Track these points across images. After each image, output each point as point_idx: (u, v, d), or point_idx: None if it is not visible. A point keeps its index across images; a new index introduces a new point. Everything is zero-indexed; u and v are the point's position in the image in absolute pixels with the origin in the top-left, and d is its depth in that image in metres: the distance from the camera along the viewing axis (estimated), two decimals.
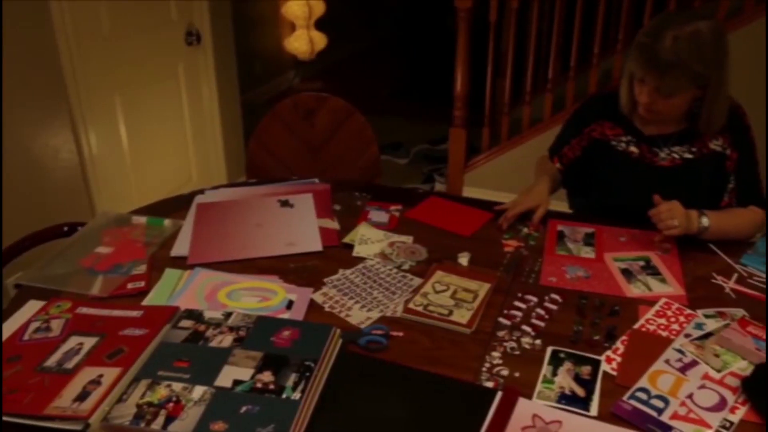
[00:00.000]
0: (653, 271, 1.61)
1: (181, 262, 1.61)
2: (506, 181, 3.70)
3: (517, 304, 1.47)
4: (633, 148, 1.84)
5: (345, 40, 6.26)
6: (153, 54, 3.13)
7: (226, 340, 1.26)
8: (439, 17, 4.96)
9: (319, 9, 5.49)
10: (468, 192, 3.73)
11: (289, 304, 1.43)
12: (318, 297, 1.47)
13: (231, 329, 1.29)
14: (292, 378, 1.16)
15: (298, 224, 1.76)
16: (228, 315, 1.33)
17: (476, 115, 3.66)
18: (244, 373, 1.17)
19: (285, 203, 1.86)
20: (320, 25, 5.58)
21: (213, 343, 1.25)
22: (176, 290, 1.49)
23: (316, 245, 1.67)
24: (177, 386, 1.14)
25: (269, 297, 1.46)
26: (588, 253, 1.69)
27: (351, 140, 2.31)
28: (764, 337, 1.36)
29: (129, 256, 1.61)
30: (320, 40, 5.59)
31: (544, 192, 1.88)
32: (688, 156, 1.81)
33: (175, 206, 1.88)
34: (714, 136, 1.80)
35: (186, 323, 1.31)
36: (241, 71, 3.86)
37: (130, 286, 1.50)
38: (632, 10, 3.46)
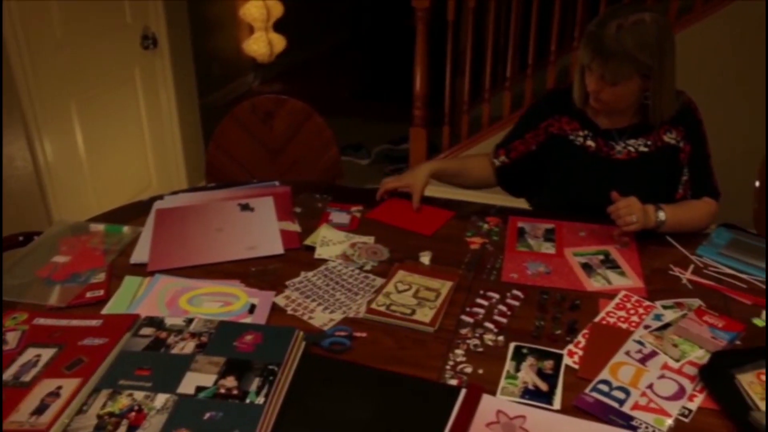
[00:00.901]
0: (612, 265, 1.64)
1: (141, 269, 1.59)
2: None
3: (480, 301, 1.48)
4: (590, 142, 1.86)
5: (304, 42, 6.24)
6: (108, 59, 3.08)
7: (188, 347, 1.24)
8: (397, 17, 4.98)
9: (278, 11, 5.47)
10: (430, 191, 3.73)
11: (252, 308, 1.42)
12: (280, 300, 1.47)
13: (193, 335, 1.28)
14: (256, 382, 1.15)
15: (258, 228, 1.75)
16: (189, 321, 1.32)
17: (436, 114, 3.68)
18: (207, 379, 1.16)
19: (245, 207, 1.84)
20: (279, 26, 5.55)
21: (175, 350, 1.24)
22: (136, 298, 1.47)
23: (278, 248, 1.66)
24: (139, 395, 1.12)
25: (231, 302, 1.45)
26: (548, 248, 1.71)
27: (310, 142, 2.30)
28: (719, 325, 1.40)
29: (87, 265, 1.58)
30: (279, 42, 5.56)
31: (420, 174, 1.96)
32: (644, 149, 1.84)
33: (134, 213, 1.85)
34: (667, 129, 1.84)
35: (147, 331, 1.29)
36: (200, 75, 3.83)
37: (88, 295, 1.47)
38: (587, 8, 3.51)
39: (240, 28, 5.56)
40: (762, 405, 1.18)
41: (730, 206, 2.39)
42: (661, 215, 1.72)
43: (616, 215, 1.69)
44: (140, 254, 1.64)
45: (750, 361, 1.28)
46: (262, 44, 5.42)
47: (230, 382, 1.16)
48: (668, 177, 1.86)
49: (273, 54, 5.56)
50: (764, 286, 1.59)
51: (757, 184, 2.35)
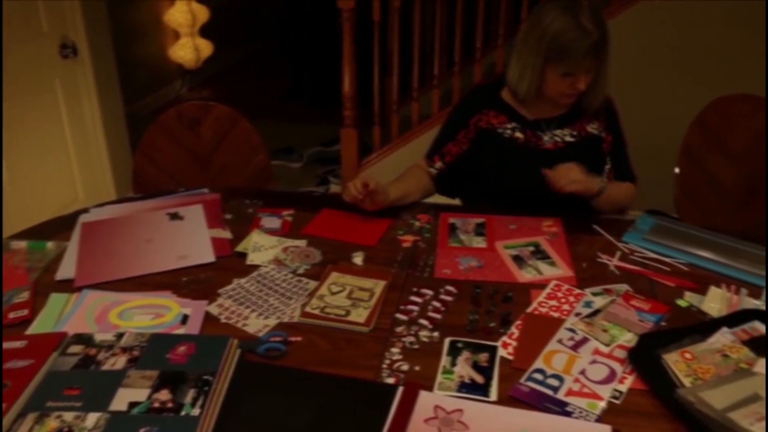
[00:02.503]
0: (543, 256, 1.67)
1: (67, 286, 1.54)
2: None
3: (414, 298, 1.49)
4: (518, 134, 1.90)
5: (232, 46, 6.17)
6: (25, 69, 2.98)
7: (120, 362, 1.22)
8: (324, 19, 4.96)
9: (203, 16, 5.39)
10: None
11: (184, 319, 1.40)
12: (213, 309, 1.45)
13: (124, 350, 1.25)
14: (191, 394, 1.13)
15: (189, 236, 1.72)
16: (120, 335, 1.29)
17: (367, 114, 3.69)
18: (140, 394, 1.14)
19: (174, 216, 1.81)
20: (205, 31, 5.48)
21: (105, 367, 1.21)
22: (63, 315, 1.42)
23: (209, 256, 1.64)
24: (68, 416, 1.09)
25: (163, 313, 1.42)
26: (480, 243, 1.73)
27: (239, 147, 2.27)
28: (646, 308, 1.44)
29: (9, 284, 1.53)
30: (206, 48, 5.48)
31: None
32: (570, 139, 1.90)
33: (58, 227, 1.80)
34: (590, 120, 1.90)
35: (75, 348, 1.26)
36: (125, 83, 3.74)
37: (11, 315, 1.42)
38: (511, 6, 3.57)
39: (165, 34, 5.46)
40: (687, 382, 1.23)
41: (654, 193, 2.47)
42: (603, 182, 1.83)
43: (555, 178, 1.73)
44: (66, 270, 1.59)
45: (675, 341, 1.33)
46: (189, 50, 5.34)
47: (164, 395, 1.13)
48: (593, 166, 1.91)
49: (200, 59, 5.49)
50: (686, 269, 1.65)
51: (677, 170, 2.44)
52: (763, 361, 1.25)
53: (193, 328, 1.38)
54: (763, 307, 1.49)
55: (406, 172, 2.01)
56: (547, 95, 1.84)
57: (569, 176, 1.73)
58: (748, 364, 1.27)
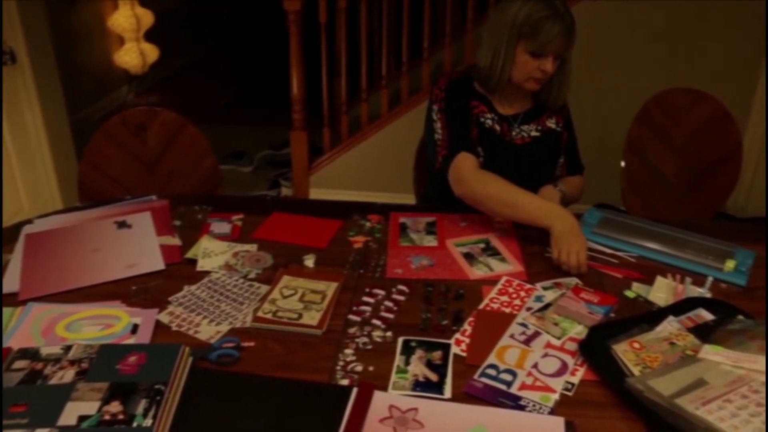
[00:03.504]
0: (493, 252, 1.69)
1: (11, 299, 1.50)
2: (351, 179, 3.75)
3: (366, 299, 1.49)
4: (496, 126, 1.91)
5: (179, 51, 6.08)
6: None
7: (68, 375, 1.19)
8: (271, 21, 4.93)
9: (148, 20, 5.30)
10: (315, 194, 3.75)
11: (134, 329, 1.38)
12: (164, 317, 1.43)
13: (72, 363, 1.22)
14: (142, 404, 1.12)
15: (137, 244, 1.69)
16: (68, 348, 1.26)
17: (316, 116, 3.68)
18: (90, 407, 1.11)
19: (122, 224, 1.78)
20: (151, 36, 5.39)
21: (53, 381, 1.18)
22: (8, 330, 1.38)
23: (158, 264, 1.62)
24: None
25: (112, 323, 1.39)
26: (431, 241, 1.74)
27: (186, 153, 2.25)
28: (595, 301, 1.47)
29: None
30: (152, 53, 5.39)
31: (577, 229, 1.67)
32: (535, 134, 1.94)
33: (1, 240, 1.75)
34: (549, 116, 1.96)
35: (20, 363, 1.22)
36: (69, 90, 3.66)
37: None
38: (456, 5, 3.60)
39: (110, 40, 5.35)
40: (636, 371, 1.26)
41: (602, 187, 2.52)
42: (562, 188, 1.91)
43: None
44: (10, 283, 1.55)
45: (624, 332, 1.36)
46: (134, 55, 5.24)
47: (115, 407, 1.11)
48: (555, 158, 2.00)
49: (146, 65, 5.39)
50: (633, 260, 1.69)
51: (623, 164, 2.49)
52: (707, 347, 1.28)
53: (144, 337, 1.36)
54: (707, 295, 1.53)
55: (498, 181, 1.76)
56: (515, 80, 1.85)
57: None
58: (693, 350, 1.30)
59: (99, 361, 1.22)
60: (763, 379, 1.19)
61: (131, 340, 1.34)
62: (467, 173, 1.76)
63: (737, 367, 1.22)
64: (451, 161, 1.80)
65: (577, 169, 2.07)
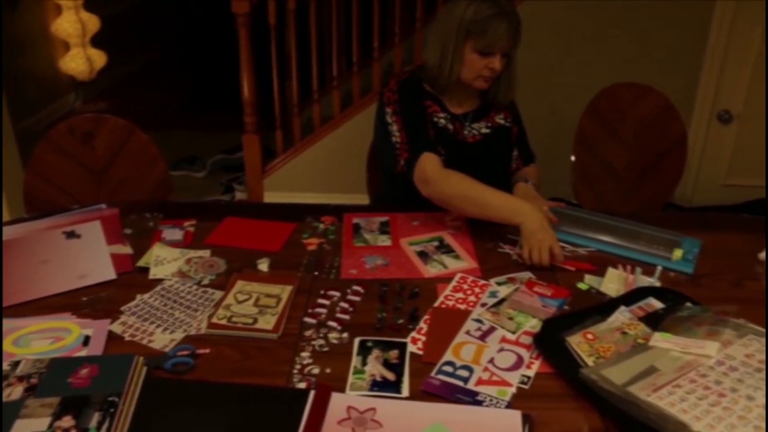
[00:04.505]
0: (447, 250, 1.70)
1: None
2: (305, 181, 3.73)
3: (321, 301, 1.48)
4: (449, 125, 1.92)
5: (127, 56, 5.99)
6: None
7: (16, 392, 1.16)
8: (221, 24, 4.88)
9: (94, 25, 5.20)
10: (270, 197, 3.72)
11: (86, 340, 1.35)
12: (116, 327, 1.40)
13: (20, 379, 1.19)
14: (96, 418, 1.10)
15: (87, 254, 1.66)
16: (16, 364, 1.23)
17: (268, 119, 3.65)
18: (41, 424, 1.09)
19: (71, 234, 1.74)
20: (97, 41, 5.29)
21: None
22: None
23: (109, 274, 1.59)
24: None
25: (63, 336, 1.36)
26: (384, 241, 1.74)
27: (136, 160, 2.21)
28: (548, 294, 1.49)
29: None
30: (99, 58, 5.30)
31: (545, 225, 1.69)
32: (486, 131, 1.96)
33: None
34: (498, 112, 1.99)
35: None
36: (12, 98, 3.57)
37: None
38: (406, 5, 3.61)
39: (54, 46, 5.23)
40: (589, 361, 1.28)
41: (554, 181, 2.55)
42: (531, 182, 1.99)
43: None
44: None
45: (577, 323, 1.38)
46: (80, 61, 5.14)
47: (67, 422, 1.09)
48: (506, 154, 2.03)
49: (94, 71, 5.29)
50: (584, 252, 1.72)
51: (573, 158, 2.53)
52: (657, 335, 1.31)
53: (96, 349, 1.33)
54: (657, 284, 1.56)
55: (463, 179, 1.76)
56: (463, 79, 1.86)
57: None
58: (644, 339, 1.33)
59: (49, 375, 1.20)
60: (711, 363, 1.22)
61: (83, 353, 1.32)
62: (434, 173, 1.77)
63: (686, 352, 1.25)
64: (414, 163, 1.80)
65: (531, 158, 2.12)
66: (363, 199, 2.30)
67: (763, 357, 1.23)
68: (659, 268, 1.61)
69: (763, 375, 1.18)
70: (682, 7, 3.44)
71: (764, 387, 1.15)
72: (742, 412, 1.09)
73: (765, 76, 3.48)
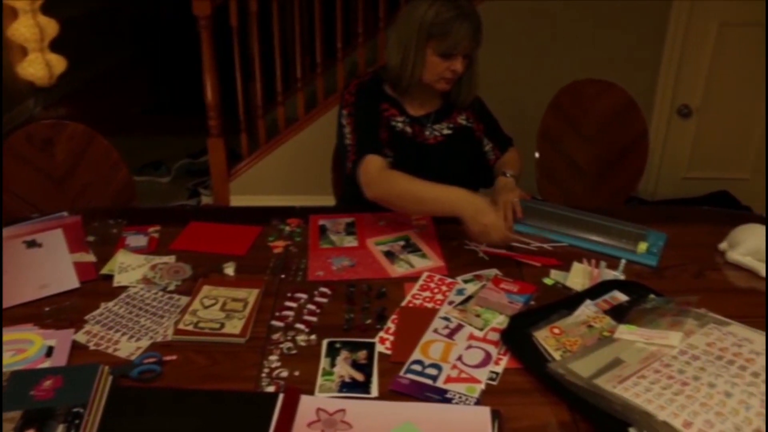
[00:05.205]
0: (413, 249, 1.70)
1: None
2: (271, 183, 3.72)
3: (288, 304, 1.48)
4: (408, 128, 1.92)
5: (88, 61, 5.90)
6: None
7: None
8: (182, 27, 4.83)
9: (52, 29, 5.11)
10: (236, 200, 3.70)
11: (49, 351, 1.33)
12: (81, 337, 1.38)
13: None
14: (60, 429, 1.08)
15: (49, 264, 1.63)
16: None
17: (233, 122, 3.63)
18: None
19: (32, 243, 1.71)
20: (57, 46, 5.20)
21: None
22: None
23: (73, 282, 1.57)
24: None
25: (25, 348, 1.34)
26: (351, 242, 1.74)
27: (97, 166, 2.18)
28: (515, 290, 1.50)
29: None
30: (59, 63, 5.21)
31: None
32: (448, 132, 1.96)
33: None
34: (460, 113, 1.99)
35: None
36: None
37: None
38: (368, 5, 3.61)
39: (11, 51, 5.13)
40: (556, 355, 1.29)
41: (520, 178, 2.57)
42: (510, 173, 1.96)
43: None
44: None
45: (543, 318, 1.39)
46: (39, 67, 5.04)
47: None
48: (471, 153, 2.03)
49: (53, 76, 5.20)
50: (550, 248, 1.73)
51: (537, 154, 2.55)
52: (622, 327, 1.33)
53: (60, 359, 1.31)
54: (621, 277, 1.58)
55: (403, 178, 1.75)
56: (425, 80, 1.86)
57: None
58: (609, 331, 1.35)
59: (11, 388, 1.18)
60: (674, 353, 1.24)
61: (46, 364, 1.29)
62: (375, 175, 1.76)
63: (650, 343, 1.27)
64: (358, 165, 1.79)
65: (507, 143, 2.11)
66: (330, 200, 2.30)
67: (724, 345, 1.25)
68: (623, 261, 1.63)
69: (723, 362, 1.20)
70: (641, 6, 3.49)
71: (725, 374, 1.17)
72: (705, 399, 1.11)
73: (765, 75, 3.54)
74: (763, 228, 1.68)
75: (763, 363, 1.20)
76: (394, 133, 1.91)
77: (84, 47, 5.73)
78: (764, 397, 1.12)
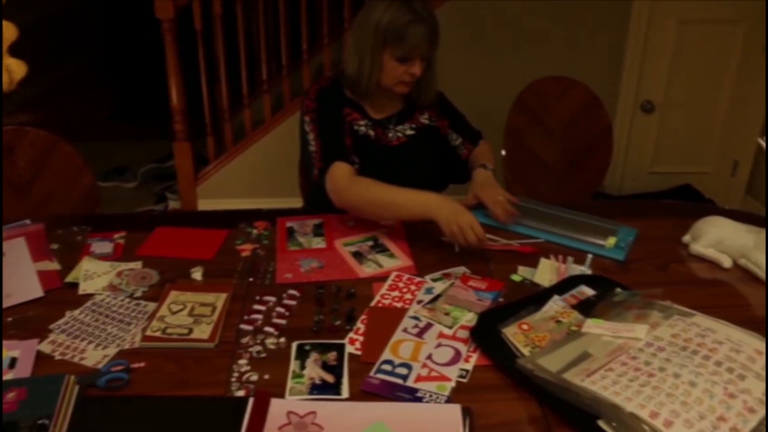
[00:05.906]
0: (382, 249, 1.71)
1: None
2: (239, 187, 3.70)
3: (257, 307, 1.47)
4: (370, 131, 1.92)
5: (50, 66, 5.80)
6: None
7: None
8: (146, 30, 4.77)
9: (11, 34, 4.98)
10: (204, 204, 3.67)
11: (12, 363, 1.30)
12: (45, 347, 1.36)
13: None
14: None
15: (11, 273, 1.60)
16: None
17: (199, 126, 3.60)
18: None
19: None
20: (17, 51, 5.11)
21: None
22: None
23: (36, 291, 1.54)
24: None
25: None
26: (319, 243, 1.74)
27: (60, 172, 2.15)
28: (483, 287, 1.51)
29: None
30: (19, 68, 5.08)
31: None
32: (410, 132, 1.97)
33: None
34: (422, 113, 2.00)
35: None
36: None
37: None
38: (333, 7, 3.61)
39: None
40: (525, 351, 1.30)
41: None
42: (486, 165, 1.98)
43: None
44: None
45: (512, 315, 1.40)
46: None
47: None
48: (436, 152, 2.04)
49: (13, 81, 5.07)
50: (517, 244, 1.75)
51: (504, 152, 2.57)
52: (589, 321, 1.34)
53: (24, 371, 1.29)
54: (588, 272, 1.60)
55: (368, 182, 1.77)
56: (384, 84, 1.86)
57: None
58: (577, 326, 1.36)
59: None
60: (640, 345, 1.26)
61: (9, 376, 1.27)
62: (342, 182, 1.75)
63: (617, 337, 1.29)
64: (326, 173, 1.78)
65: (477, 137, 2.12)
66: (298, 202, 2.29)
67: (688, 336, 1.27)
68: (590, 256, 1.65)
69: (688, 353, 1.22)
70: (602, 6, 3.54)
71: (689, 364, 1.19)
72: (670, 389, 1.13)
73: (765, 74, 3.59)
74: (724, 220, 1.71)
75: (726, 352, 1.22)
76: (357, 137, 1.90)
77: (46, 52, 5.64)
78: (727, 385, 1.14)
